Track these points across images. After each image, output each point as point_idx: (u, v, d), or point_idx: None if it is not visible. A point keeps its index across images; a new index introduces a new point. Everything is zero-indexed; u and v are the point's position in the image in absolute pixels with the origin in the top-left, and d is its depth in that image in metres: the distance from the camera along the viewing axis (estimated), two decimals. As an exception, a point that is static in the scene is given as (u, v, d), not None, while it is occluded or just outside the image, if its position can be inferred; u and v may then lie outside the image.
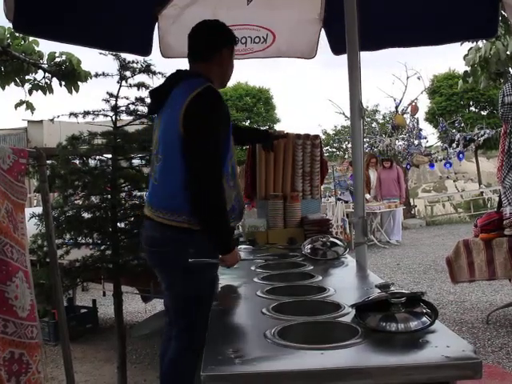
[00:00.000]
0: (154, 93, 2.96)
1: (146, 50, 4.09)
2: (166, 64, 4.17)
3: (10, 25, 3.19)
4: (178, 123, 2.59)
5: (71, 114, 4.15)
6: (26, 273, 2.17)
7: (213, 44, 2.83)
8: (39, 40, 7.26)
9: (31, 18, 3.26)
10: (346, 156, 22.24)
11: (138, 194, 4.33)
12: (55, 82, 7.62)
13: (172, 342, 2.84)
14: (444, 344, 1.58)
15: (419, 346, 1.59)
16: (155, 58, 4.14)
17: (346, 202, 12.60)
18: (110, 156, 4.28)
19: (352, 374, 1.48)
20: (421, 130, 17.15)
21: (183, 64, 2.98)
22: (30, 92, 7.64)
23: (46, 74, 7.61)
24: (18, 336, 2.14)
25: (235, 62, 3.01)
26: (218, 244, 2.69)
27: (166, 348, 2.92)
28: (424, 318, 1.73)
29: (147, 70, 4.28)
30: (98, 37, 3.77)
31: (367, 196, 11.95)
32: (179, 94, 2.67)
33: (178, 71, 2.84)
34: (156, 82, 4.32)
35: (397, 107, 17.72)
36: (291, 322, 1.85)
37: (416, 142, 16.65)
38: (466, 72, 9.83)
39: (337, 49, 4.25)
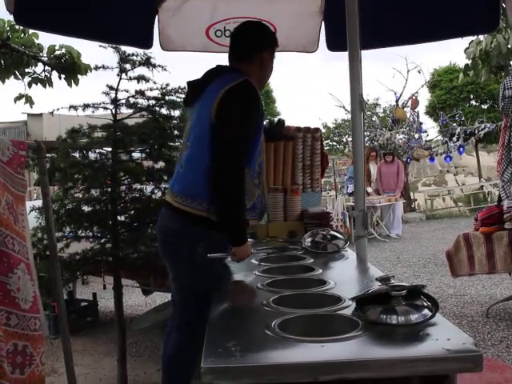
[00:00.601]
0: (191, 85, 2.96)
1: (147, 43, 4.07)
2: (167, 57, 4.16)
3: (10, 17, 3.18)
4: (211, 112, 2.62)
5: (71, 106, 4.14)
6: (28, 265, 2.17)
7: (255, 45, 2.85)
8: (39, 33, 7.25)
9: (32, 11, 3.25)
10: (346, 150, 22.21)
11: (138, 187, 4.32)
12: (55, 75, 7.61)
13: (173, 334, 2.87)
14: (444, 337, 1.57)
15: (420, 339, 1.59)
16: (156, 50, 4.13)
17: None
18: (109, 149, 4.27)
19: (352, 367, 1.48)
20: (421, 123, 17.14)
21: (184, 57, 2.99)
22: (30, 85, 7.62)
23: (46, 67, 7.59)
24: (21, 328, 2.14)
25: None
26: (230, 235, 2.68)
27: (169, 338, 2.95)
28: (424, 311, 1.72)
29: (147, 62, 4.27)
30: (99, 30, 3.76)
31: (368, 189, 11.95)
32: (216, 85, 2.69)
33: (218, 66, 2.87)
34: (156, 74, 4.32)
35: (397, 101, 17.70)
36: (292, 315, 1.85)
37: (416, 136, 16.64)
38: (466, 65, 9.82)
39: (332, 45, 4.24)
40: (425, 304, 1.76)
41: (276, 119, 3.74)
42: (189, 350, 2.79)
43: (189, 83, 2.98)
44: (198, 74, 2.91)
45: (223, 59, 2.97)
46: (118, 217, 4.25)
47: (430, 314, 1.71)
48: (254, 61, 2.82)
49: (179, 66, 3.27)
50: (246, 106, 2.64)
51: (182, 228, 2.72)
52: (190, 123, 2.82)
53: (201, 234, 2.67)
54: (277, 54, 3.01)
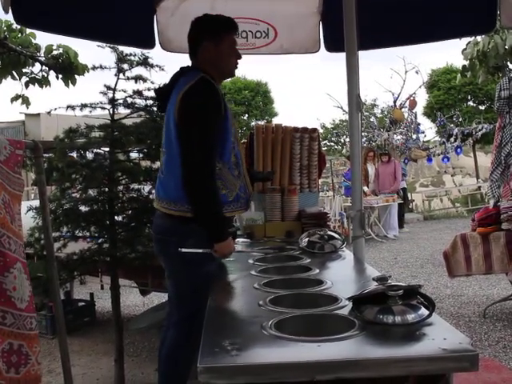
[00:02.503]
0: (158, 92, 3.09)
1: (149, 43, 4.06)
2: (169, 57, 4.15)
3: (7, 17, 3.18)
4: (174, 114, 2.70)
5: (68, 106, 4.14)
6: (24, 264, 2.17)
7: (194, 38, 2.90)
8: (36, 33, 7.25)
9: (33, 11, 3.26)
10: (344, 150, 22.21)
11: (136, 187, 4.32)
12: (52, 74, 7.61)
13: (169, 332, 2.92)
14: (441, 336, 1.57)
15: (416, 339, 1.59)
16: (159, 51, 4.12)
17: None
18: (107, 149, 4.27)
19: (349, 367, 1.48)
20: (419, 124, 17.18)
21: (185, 56, 3.02)
22: (27, 85, 7.62)
23: (43, 67, 7.59)
24: (17, 327, 2.14)
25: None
26: (208, 232, 2.72)
27: (165, 336, 2.98)
28: (421, 311, 1.73)
29: (145, 62, 4.27)
30: (100, 30, 3.76)
31: (365, 189, 11.95)
32: (178, 87, 2.77)
33: (181, 68, 2.93)
34: (154, 74, 4.32)
35: (395, 101, 17.73)
36: (288, 315, 1.85)
37: (414, 137, 16.68)
38: (464, 66, 9.83)
39: (330, 46, 4.25)
40: (421, 304, 1.76)
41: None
42: (185, 346, 2.83)
43: (156, 90, 3.14)
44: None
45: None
46: (116, 217, 4.25)
47: (427, 313, 1.71)
48: (200, 55, 2.86)
49: (177, 66, 3.25)
50: (205, 104, 2.69)
51: (171, 226, 2.81)
52: (164, 129, 2.90)
53: (188, 231, 2.72)
54: (275, 56, 3.01)
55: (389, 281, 1.87)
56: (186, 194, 2.69)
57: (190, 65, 2.95)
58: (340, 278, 2.53)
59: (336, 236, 3.34)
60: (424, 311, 1.73)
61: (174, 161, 2.74)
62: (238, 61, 2.98)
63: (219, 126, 2.75)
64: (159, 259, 3.02)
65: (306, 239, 3.29)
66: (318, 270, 2.59)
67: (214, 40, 2.86)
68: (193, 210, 2.71)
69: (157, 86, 4.31)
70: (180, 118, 2.68)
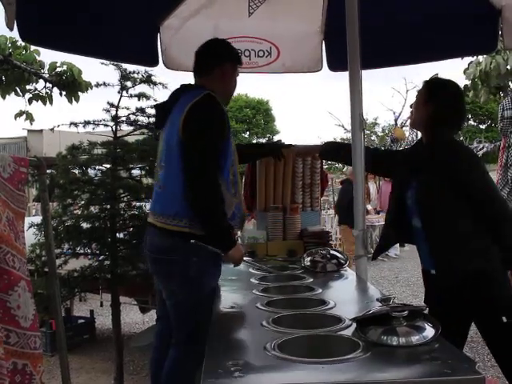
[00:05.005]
0: (158, 107, 3.07)
1: (152, 61, 4.09)
2: (173, 74, 4.18)
3: (12, 34, 3.20)
4: (178, 129, 2.69)
5: (71, 123, 4.16)
6: (28, 282, 2.16)
7: (215, 58, 2.94)
8: (40, 50, 7.30)
9: (37, 29, 3.28)
10: (345, 169, 22.24)
11: (138, 204, 4.32)
12: (56, 91, 7.65)
13: (170, 352, 2.86)
14: (446, 359, 1.56)
15: (421, 361, 1.58)
16: (162, 69, 4.14)
17: None
18: (109, 166, 4.28)
19: (353, 389, 1.47)
20: (420, 143, 17.17)
21: (188, 74, 3.04)
22: (30, 102, 7.66)
23: (47, 84, 7.63)
24: (21, 346, 2.12)
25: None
26: (219, 242, 2.72)
27: (156, 358, 2.98)
28: (425, 332, 1.72)
29: (148, 80, 4.30)
30: (104, 48, 3.78)
31: (368, 206, 11.93)
32: (182, 102, 2.77)
33: (182, 85, 2.94)
34: (157, 92, 4.34)
35: (396, 120, 17.79)
36: (291, 335, 1.83)
37: (415, 155, 16.67)
38: (466, 86, 9.87)
39: (333, 65, 4.29)
40: (426, 325, 1.75)
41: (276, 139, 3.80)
42: (186, 367, 2.78)
43: (156, 106, 3.12)
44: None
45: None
46: (117, 234, 4.24)
47: (432, 335, 1.70)
48: (215, 74, 2.91)
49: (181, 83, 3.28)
50: (210, 120, 2.71)
51: (174, 244, 2.75)
52: (162, 143, 2.89)
53: (192, 249, 2.68)
54: (277, 75, 3.05)
55: (392, 301, 1.86)
56: (192, 207, 2.66)
57: (191, 83, 2.97)
58: (343, 297, 2.51)
59: (338, 255, 3.33)
60: (429, 333, 1.72)
61: (173, 175, 2.73)
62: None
63: (222, 142, 2.76)
64: (156, 279, 2.97)
65: (309, 258, 3.28)
66: (320, 290, 2.58)
67: (234, 64, 2.98)
68: (199, 222, 2.67)
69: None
70: (186, 131, 2.67)
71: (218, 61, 2.92)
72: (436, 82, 3.00)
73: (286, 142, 3.91)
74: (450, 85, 2.86)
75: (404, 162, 2.98)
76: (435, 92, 2.81)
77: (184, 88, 2.92)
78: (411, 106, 2.94)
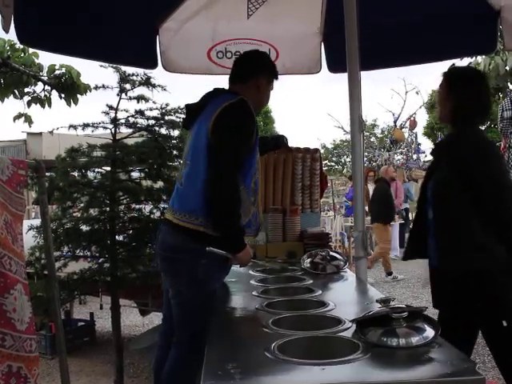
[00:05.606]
0: (189, 107, 3.06)
1: (151, 64, 4.09)
2: (169, 75, 4.17)
3: (10, 37, 3.21)
4: (208, 129, 2.71)
5: (70, 126, 4.15)
6: (25, 285, 2.15)
7: (253, 68, 2.99)
8: (39, 52, 7.29)
9: (35, 31, 3.28)
10: (345, 170, 22.27)
11: (137, 206, 4.31)
12: (55, 94, 7.64)
13: (171, 351, 2.87)
14: (446, 360, 1.56)
15: (421, 362, 1.57)
16: (159, 69, 4.14)
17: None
18: (108, 168, 4.27)
19: (353, 390, 1.47)
20: (419, 144, 17.23)
21: (187, 76, 3.03)
22: (29, 104, 7.66)
23: (46, 87, 7.62)
24: (16, 349, 2.11)
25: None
26: (230, 243, 2.73)
27: (161, 355, 2.97)
28: (425, 333, 1.71)
29: (147, 82, 4.29)
30: (103, 50, 3.78)
31: (367, 208, 11.92)
32: (214, 104, 2.79)
33: (215, 89, 2.97)
34: (156, 94, 4.34)
35: (395, 122, 17.79)
36: (291, 337, 1.83)
37: (414, 157, 16.70)
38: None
39: (333, 67, 4.29)
40: (426, 326, 1.74)
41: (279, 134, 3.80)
42: (187, 366, 2.79)
43: (187, 106, 3.09)
44: (199, 93, 2.98)
45: (224, 79, 3.08)
46: (117, 236, 4.24)
47: (432, 336, 1.70)
48: (250, 84, 2.94)
49: (180, 86, 3.30)
50: (241, 123, 2.73)
51: (184, 244, 2.75)
52: (189, 142, 2.90)
53: (202, 251, 2.67)
54: (278, 77, 3.07)
55: (392, 303, 1.86)
56: (209, 206, 2.67)
57: (225, 87, 2.99)
58: (343, 299, 2.51)
59: (338, 256, 3.33)
60: (428, 334, 1.71)
61: (197, 174, 2.73)
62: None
63: (249, 148, 2.78)
64: (164, 278, 2.98)
65: (308, 260, 3.28)
66: (320, 292, 2.57)
67: (269, 78, 3.02)
68: (214, 222, 2.69)
69: (159, 106, 4.35)
70: (216, 131, 2.69)
71: (254, 71, 2.97)
72: (455, 72, 2.93)
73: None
74: (469, 74, 2.83)
75: (432, 153, 2.98)
76: (455, 83, 2.78)
77: (217, 91, 2.94)
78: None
